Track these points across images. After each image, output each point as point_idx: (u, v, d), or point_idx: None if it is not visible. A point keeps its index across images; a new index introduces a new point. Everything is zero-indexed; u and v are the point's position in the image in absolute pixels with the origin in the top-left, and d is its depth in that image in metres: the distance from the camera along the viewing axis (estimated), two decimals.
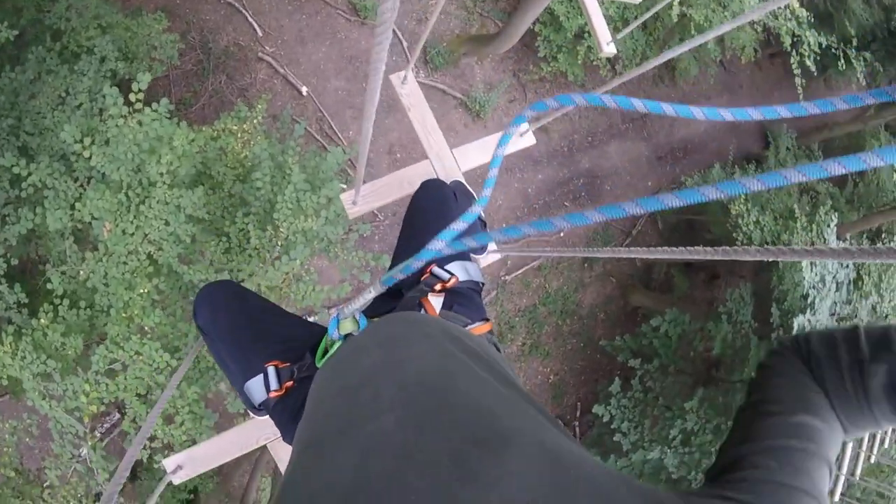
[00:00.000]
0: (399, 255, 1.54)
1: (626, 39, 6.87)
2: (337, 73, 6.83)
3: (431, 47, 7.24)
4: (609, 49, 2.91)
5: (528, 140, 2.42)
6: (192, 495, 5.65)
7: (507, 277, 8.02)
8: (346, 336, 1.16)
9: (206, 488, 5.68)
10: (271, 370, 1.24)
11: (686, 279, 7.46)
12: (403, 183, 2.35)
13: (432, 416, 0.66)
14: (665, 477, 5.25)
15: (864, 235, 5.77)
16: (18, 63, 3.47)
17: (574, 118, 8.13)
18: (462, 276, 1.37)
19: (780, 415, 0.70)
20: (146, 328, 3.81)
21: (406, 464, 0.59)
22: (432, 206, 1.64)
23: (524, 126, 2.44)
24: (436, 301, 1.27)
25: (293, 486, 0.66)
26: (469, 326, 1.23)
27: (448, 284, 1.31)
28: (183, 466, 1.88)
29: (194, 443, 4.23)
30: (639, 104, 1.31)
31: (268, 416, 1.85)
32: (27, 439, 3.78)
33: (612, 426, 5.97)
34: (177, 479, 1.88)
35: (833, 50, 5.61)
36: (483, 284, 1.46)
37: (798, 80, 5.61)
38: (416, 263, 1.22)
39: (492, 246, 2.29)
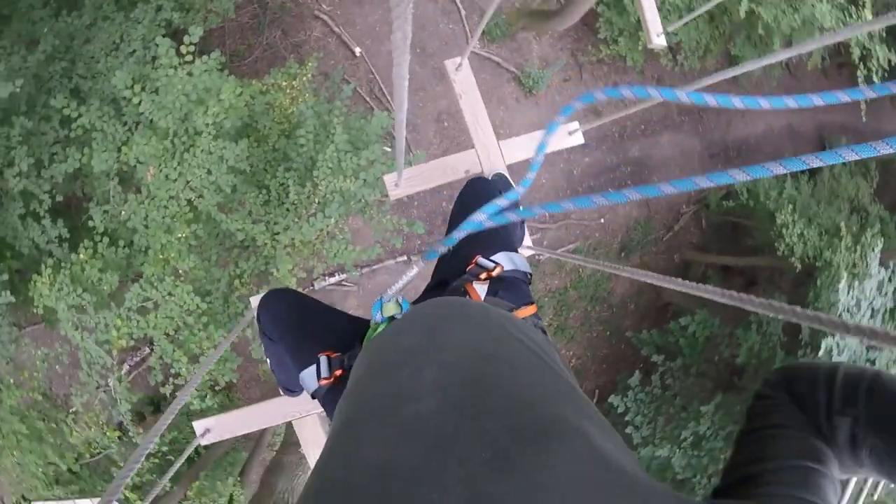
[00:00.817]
0: (443, 258, 1.55)
1: (690, 29, 6.56)
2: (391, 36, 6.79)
3: (491, 18, 7.09)
4: (659, 41, 2.81)
5: (577, 139, 2.39)
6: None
7: (541, 257, 7.97)
8: (390, 319, 1.21)
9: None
10: (323, 359, 1.28)
11: (722, 282, 7.26)
12: (447, 169, 2.36)
13: (472, 402, 0.64)
14: (670, 476, 5.24)
15: None
16: (76, 7, 3.57)
17: (629, 104, 7.90)
18: (507, 266, 1.38)
19: (791, 437, 0.70)
20: (181, 271, 3.97)
21: (441, 451, 0.58)
22: (477, 196, 1.65)
23: (574, 125, 2.41)
24: (480, 288, 1.28)
25: (327, 464, 0.66)
26: (514, 310, 1.22)
27: (493, 273, 1.32)
28: (211, 430, 2.00)
29: (216, 383, 4.46)
30: (682, 96, 1.29)
31: (298, 395, 1.94)
32: (57, 367, 4.00)
33: (626, 418, 5.96)
34: (205, 441, 2.00)
35: None
36: (531, 275, 1.46)
37: None
38: (458, 234, 1.25)
39: (527, 240, 2.30)
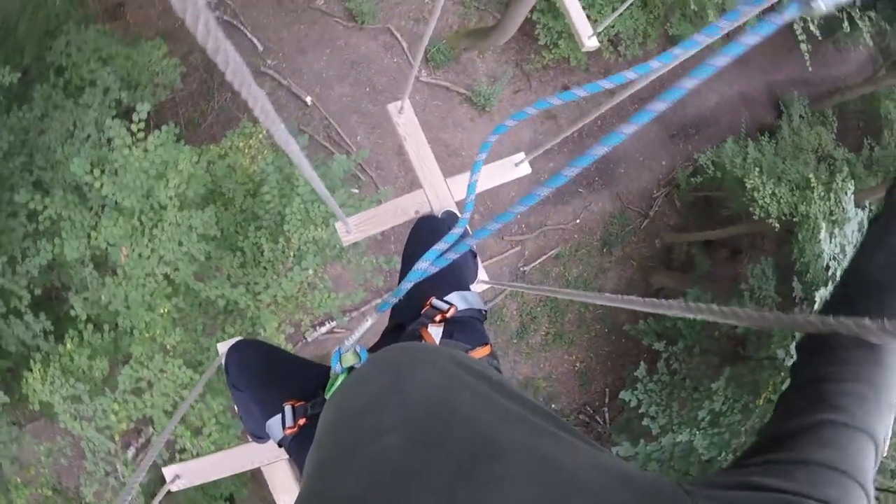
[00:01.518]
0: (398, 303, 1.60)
1: (625, 19, 6.77)
2: (340, 79, 6.88)
3: (431, 45, 7.24)
4: (591, 43, 2.89)
5: (524, 170, 2.42)
6: (227, 502, 5.78)
7: (525, 268, 8.00)
8: (349, 369, 1.22)
9: (240, 493, 5.81)
10: (288, 409, 1.30)
11: (707, 257, 7.33)
12: (397, 211, 2.39)
13: (434, 432, 0.69)
14: (696, 459, 5.19)
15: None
16: (25, 101, 3.60)
17: (582, 103, 8.06)
18: (461, 306, 1.41)
19: (829, 381, 0.67)
20: (168, 346, 3.91)
21: (409, 476, 0.63)
22: (424, 237, 1.69)
23: (520, 156, 2.45)
24: (435, 331, 1.30)
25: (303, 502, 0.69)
26: (469, 351, 1.26)
27: (447, 314, 1.35)
28: (181, 476, 1.97)
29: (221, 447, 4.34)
30: (630, 74, 1.31)
31: (266, 442, 1.92)
32: (62, 460, 3.92)
33: (641, 411, 5.93)
34: (174, 488, 1.96)
35: (837, 12, 5.44)
36: (485, 312, 1.49)
37: (804, 46, 5.46)
38: (405, 285, 1.28)
39: (482, 274, 2.33)
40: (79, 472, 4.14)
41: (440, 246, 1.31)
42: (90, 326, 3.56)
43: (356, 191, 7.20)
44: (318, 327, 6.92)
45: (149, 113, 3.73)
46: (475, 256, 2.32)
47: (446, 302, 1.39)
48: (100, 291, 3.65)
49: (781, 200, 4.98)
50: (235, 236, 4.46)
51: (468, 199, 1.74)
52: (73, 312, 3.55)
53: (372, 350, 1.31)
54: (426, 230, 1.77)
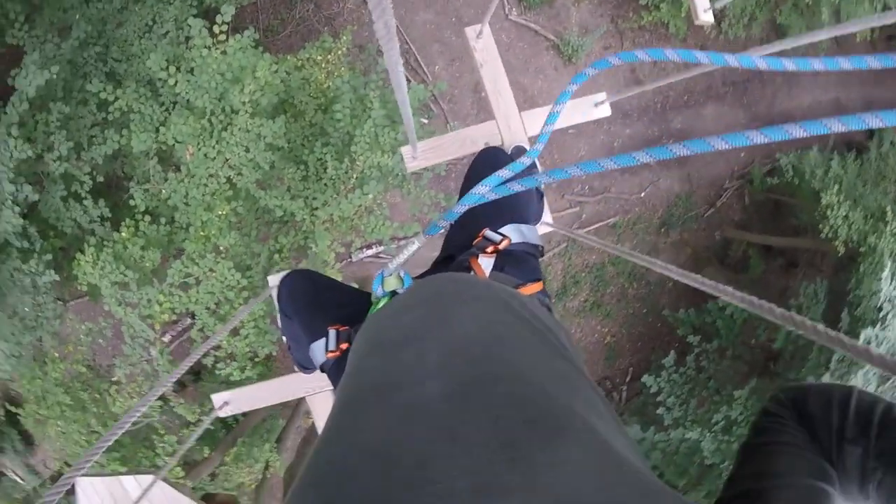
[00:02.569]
0: (450, 232, 1.50)
1: None
2: (426, 5, 6.63)
3: None
4: (706, 17, 2.68)
5: (604, 111, 2.29)
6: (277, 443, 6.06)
7: (579, 231, 7.87)
8: (392, 293, 1.19)
9: (274, 425, 5.98)
10: (332, 332, 1.28)
11: (763, 262, 7.03)
12: (466, 141, 2.31)
13: (479, 388, 0.61)
14: (699, 460, 5.20)
15: None
16: None
17: (671, 72, 7.59)
18: (516, 238, 1.33)
19: (798, 456, 0.68)
20: (221, 247, 4.05)
21: (447, 439, 0.55)
22: (487, 166, 1.58)
23: (601, 96, 2.33)
24: (486, 262, 1.23)
25: (327, 446, 0.64)
26: (520, 287, 1.18)
27: (500, 246, 1.27)
28: (229, 403, 2.08)
29: (256, 355, 4.59)
30: (731, 60, 1.21)
31: (312, 372, 1.98)
32: (100, 340, 4.15)
33: (658, 398, 5.92)
34: (222, 413, 2.08)
35: None
36: (542, 248, 1.41)
37: None
38: (459, 208, 1.16)
39: (547, 216, 2.24)
40: (114, 353, 4.43)
41: (504, 173, 1.19)
42: (147, 217, 3.67)
43: (426, 121, 7.09)
44: (365, 249, 7.05)
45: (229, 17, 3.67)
46: (542, 197, 2.21)
47: (500, 234, 1.31)
48: (161, 185, 3.75)
49: (853, 226, 4.67)
50: (301, 149, 4.48)
51: (545, 128, 1.58)
52: (132, 202, 3.67)
53: (418, 278, 1.25)
54: (490, 161, 1.65)
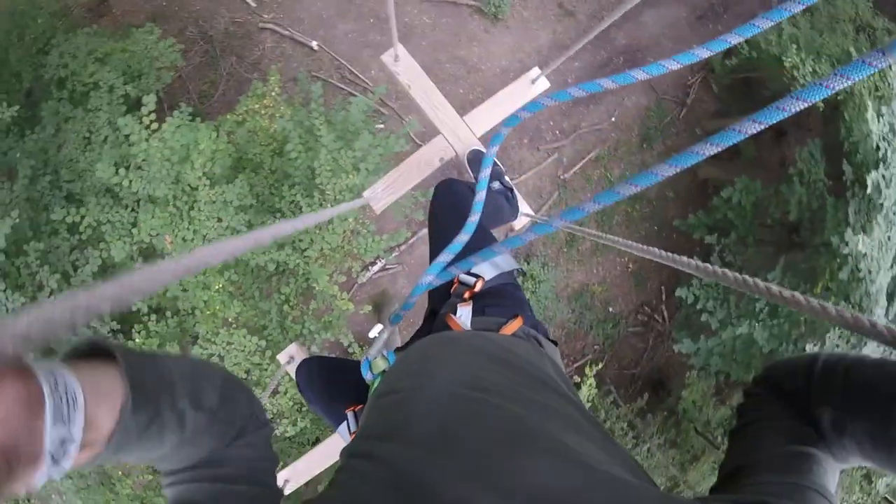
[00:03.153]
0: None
1: None
2: (341, 16, 6.59)
3: None
4: None
5: (542, 85, 2.28)
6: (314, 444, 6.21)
7: (565, 176, 7.81)
8: (382, 373, 1.27)
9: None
10: (350, 415, 1.38)
11: (752, 142, 6.90)
12: (422, 165, 2.32)
13: (462, 424, 0.72)
14: (757, 352, 5.17)
15: None
16: (36, 123, 3.63)
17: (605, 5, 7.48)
18: (490, 275, 1.39)
19: (781, 427, 0.72)
20: (230, 319, 4.11)
21: (440, 461, 0.66)
22: (446, 213, 1.66)
23: (535, 71, 2.31)
24: (464, 313, 1.29)
25: (340, 484, 0.73)
26: (501, 327, 1.25)
27: (476, 289, 1.33)
28: (289, 480, 2.12)
29: (302, 404, 4.64)
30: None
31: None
32: None
33: (698, 307, 5.87)
34: (287, 490, 2.13)
35: None
36: (519, 269, 1.51)
37: None
38: (412, 299, 1.31)
39: (524, 207, 2.25)
40: None
41: (444, 258, 1.32)
42: (153, 316, 3.74)
43: (381, 126, 7.07)
44: (370, 267, 7.08)
45: (160, 98, 3.70)
46: (511, 192, 2.23)
47: (474, 275, 1.36)
48: None
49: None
50: (272, 198, 4.51)
51: (490, 151, 1.63)
52: (134, 307, 3.73)
53: (406, 345, 1.32)
54: (447, 204, 1.71)
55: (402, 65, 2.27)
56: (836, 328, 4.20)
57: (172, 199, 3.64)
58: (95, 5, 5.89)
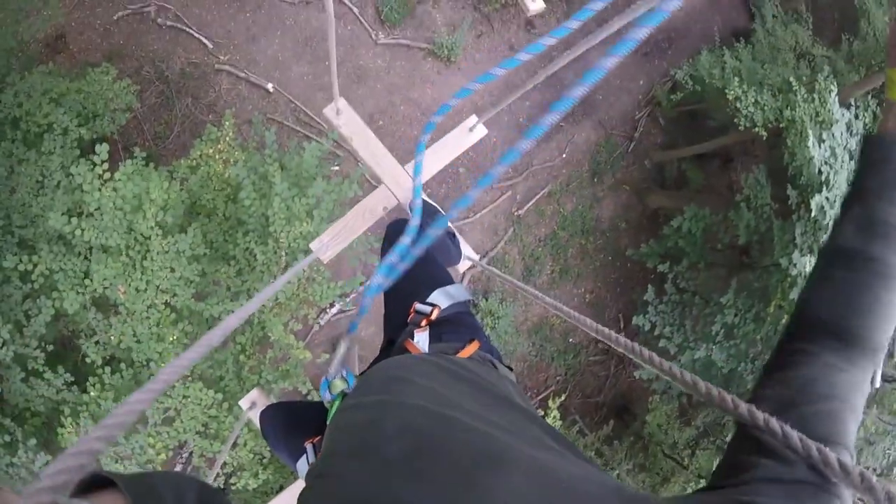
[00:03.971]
0: (387, 316, 1.61)
1: None
2: (297, 59, 6.65)
3: (383, 4, 6.95)
4: (536, 6, 2.74)
5: (479, 132, 2.35)
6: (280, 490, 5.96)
7: (520, 212, 7.97)
8: (341, 395, 1.25)
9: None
10: (309, 447, 1.35)
11: (699, 170, 7.24)
12: (366, 213, 2.35)
13: (434, 443, 0.71)
14: (717, 373, 5.31)
15: (870, 95, 5.38)
16: None
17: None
18: (445, 304, 1.41)
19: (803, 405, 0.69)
20: (186, 372, 3.97)
21: (414, 482, 0.66)
22: (392, 240, 1.68)
23: (472, 119, 2.38)
24: (421, 338, 1.31)
25: (313, 494, 0.73)
26: (459, 351, 1.26)
27: (432, 317, 1.35)
28: None
29: (262, 456, 4.48)
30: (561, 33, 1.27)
31: None
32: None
33: (656, 333, 6.01)
34: None
35: None
36: (472, 300, 1.53)
37: None
38: (366, 301, 1.33)
39: (466, 250, 2.29)
40: None
41: (391, 259, 1.33)
42: (108, 369, 3.60)
43: (336, 168, 7.09)
44: (328, 310, 6.99)
45: (115, 139, 3.62)
46: (454, 236, 2.29)
47: (429, 304, 1.39)
48: (108, 333, 3.67)
49: (766, 107, 4.84)
50: (226, 245, 4.43)
51: (416, 181, 1.70)
52: (88, 360, 3.59)
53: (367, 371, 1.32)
54: (395, 235, 1.76)
55: (344, 117, 2.30)
56: None
57: (125, 249, 3.54)
58: (52, 41, 5.78)
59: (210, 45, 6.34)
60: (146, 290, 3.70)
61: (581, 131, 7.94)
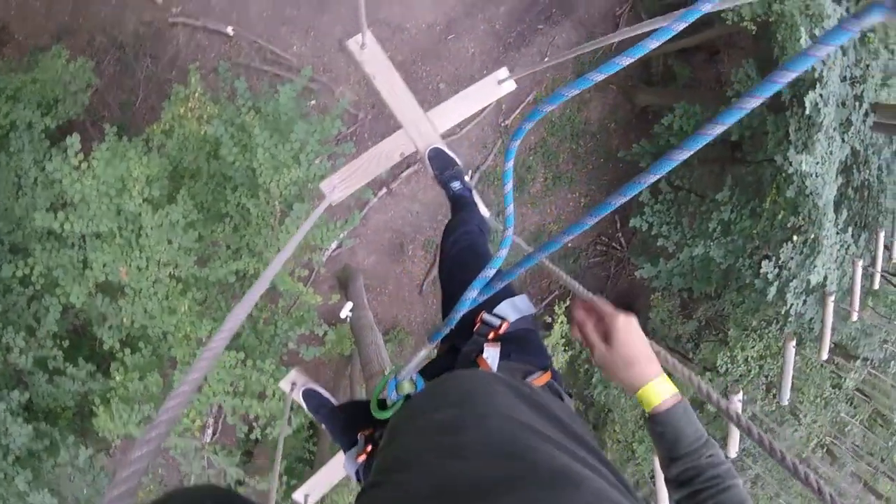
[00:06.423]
0: (444, 314, 1.56)
1: None
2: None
3: None
4: None
5: (509, 86, 2.25)
6: (310, 430, 6.27)
7: (506, 122, 7.80)
8: (406, 397, 1.23)
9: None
10: (361, 437, 1.34)
11: (686, 64, 6.98)
12: (381, 157, 2.26)
13: (508, 463, 0.72)
14: (715, 268, 5.42)
15: None
16: None
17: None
18: (513, 317, 1.37)
19: None
20: (203, 337, 4.03)
21: (480, 495, 0.65)
22: (463, 254, 1.70)
23: (503, 72, 2.27)
24: (492, 354, 1.27)
25: (373, 497, 0.75)
26: (530, 377, 1.24)
27: (500, 331, 1.32)
28: (310, 494, 2.17)
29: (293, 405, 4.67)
30: None
31: None
32: (160, 470, 4.22)
33: (653, 232, 6.07)
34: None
35: None
36: (535, 314, 1.46)
37: None
38: (456, 315, 1.23)
39: (484, 210, 2.25)
40: (180, 476, 4.49)
41: (488, 273, 1.24)
42: (127, 350, 3.65)
43: (313, 102, 6.83)
44: (325, 252, 7.00)
45: (82, 119, 3.46)
46: (470, 192, 2.24)
47: (497, 315, 1.35)
48: (119, 316, 3.69)
49: (753, 0, 4.59)
50: (217, 204, 4.35)
51: (506, 232, 1.54)
52: (105, 346, 3.63)
53: (423, 374, 1.30)
54: (460, 245, 1.75)
55: (369, 52, 2.13)
56: (790, 242, 4.42)
57: (118, 231, 3.50)
58: None
59: (159, 1, 5.90)
60: (147, 266, 3.69)
61: (562, 32, 7.58)
